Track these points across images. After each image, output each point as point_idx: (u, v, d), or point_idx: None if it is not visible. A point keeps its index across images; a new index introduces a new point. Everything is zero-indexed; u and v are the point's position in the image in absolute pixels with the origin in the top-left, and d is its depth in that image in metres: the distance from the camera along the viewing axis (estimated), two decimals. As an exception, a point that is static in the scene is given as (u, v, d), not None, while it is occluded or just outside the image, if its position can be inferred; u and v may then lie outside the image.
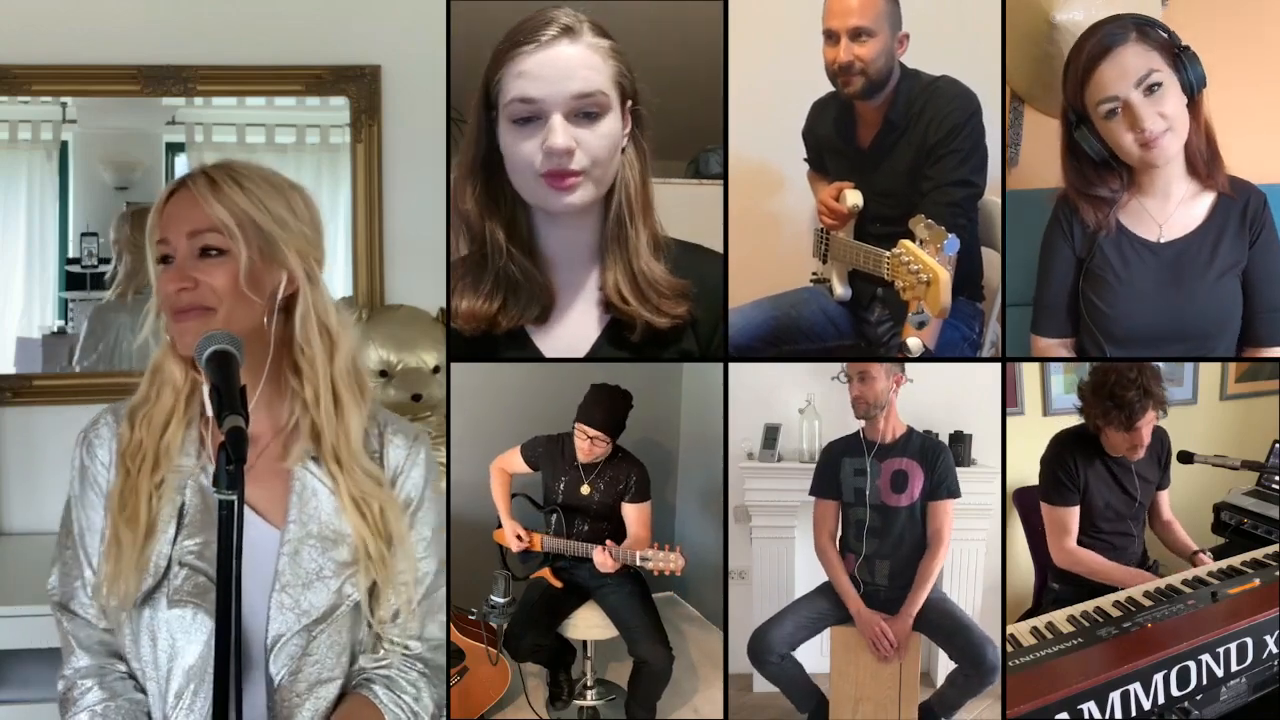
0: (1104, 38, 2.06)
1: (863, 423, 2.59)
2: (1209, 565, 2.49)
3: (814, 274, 2.50)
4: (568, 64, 1.73)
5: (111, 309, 3.03)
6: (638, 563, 2.52)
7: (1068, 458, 2.52)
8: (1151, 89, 2.04)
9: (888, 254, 2.07)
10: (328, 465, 1.65)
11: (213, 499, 1.58)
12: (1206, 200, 2.15)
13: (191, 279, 1.60)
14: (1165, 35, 2.06)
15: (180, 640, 1.58)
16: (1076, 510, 2.51)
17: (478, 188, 1.83)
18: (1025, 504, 2.73)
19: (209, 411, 1.54)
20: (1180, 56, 2.05)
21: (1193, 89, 2.06)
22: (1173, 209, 2.16)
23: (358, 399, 1.68)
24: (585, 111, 1.73)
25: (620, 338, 1.86)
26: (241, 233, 1.60)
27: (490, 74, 1.78)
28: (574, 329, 1.90)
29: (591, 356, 1.90)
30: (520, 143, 1.75)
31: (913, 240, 2.03)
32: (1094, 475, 2.52)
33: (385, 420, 1.76)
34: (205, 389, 1.53)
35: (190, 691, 1.58)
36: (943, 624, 2.51)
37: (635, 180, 1.83)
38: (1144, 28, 2.06)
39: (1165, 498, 2.65)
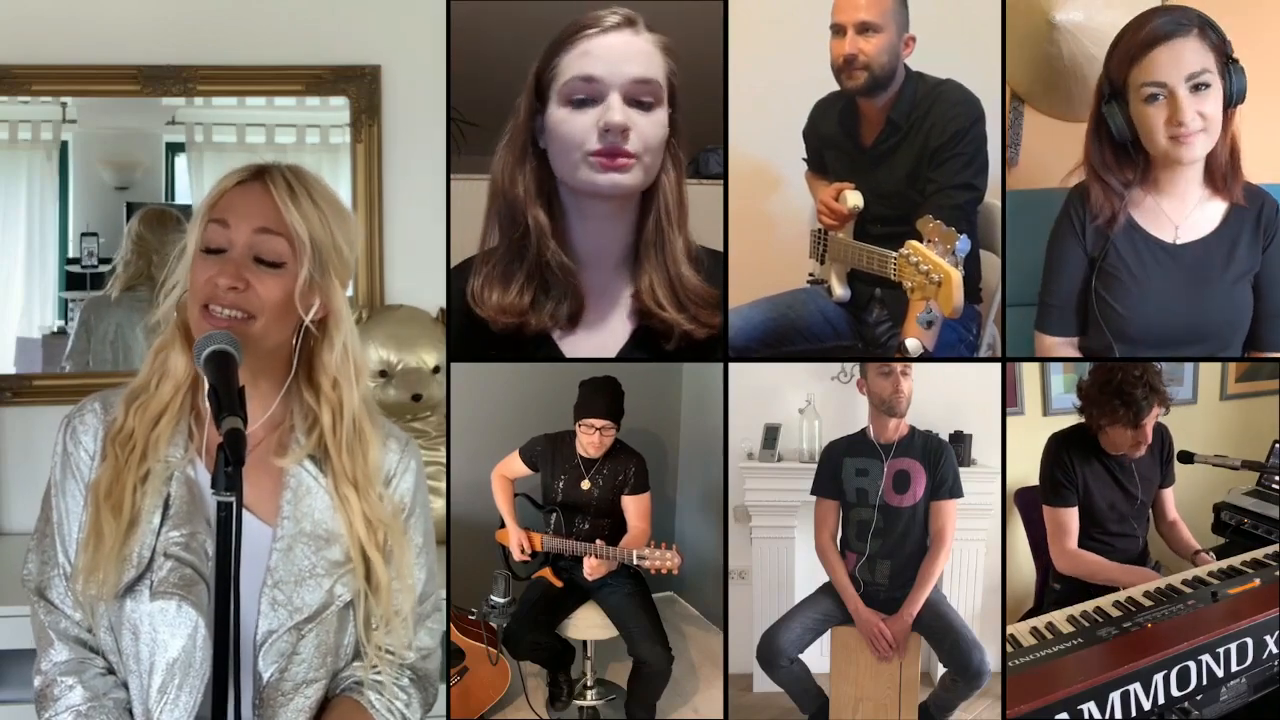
0: (1167, 23, 2.06)
1: (868, 422, 2.59)
2: (1210, 565, 2.49)
3: (811, 275, 2.50)
4: (629, 49, 1.80)
5: (106, 303, 3.00)
6: (634, 562, 2.52)
7: (1064, 457, 2.52)
8: (1199, 87, 2.04)
9: (895, 254, 2.06)
10: (338, 486, 1.62)
11: (199, 491, 1.58)
12: (1220, 205, 2.15)
13: (244, 280, 1.55)
14: (1220, 40, 2.06)
15: (163, 633, 1.55)
16: (1075, 511, 2.50)
17: (526, 175, 1.85)
18: (1025, 504, 2.72)
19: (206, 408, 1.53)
20: (1229, 65, 2.05)
21: (1231, 100, 2.07)
22: (1189, 211, 2.15)
23: (376, 427, 1.67)
24: (640, 99, 1.79)
25: (649, 345, 1.85)
26: (307, 250, 1.57)
27: (544, 62, 1.82)
28: (602, 336, 1.89)
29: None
30: (573, 122, 1.78)
31: (920, 240, 2.03)
32: (1092, 475, 2.52)
33: (379, 424, 1.74)
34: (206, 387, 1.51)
35: (175, 685, 1.55)
36: (935, 625, 2.51)
37: (673, 184, 1.85)
38: (1205, 27, 2.06)
39: (1170, 497, 2.65)
